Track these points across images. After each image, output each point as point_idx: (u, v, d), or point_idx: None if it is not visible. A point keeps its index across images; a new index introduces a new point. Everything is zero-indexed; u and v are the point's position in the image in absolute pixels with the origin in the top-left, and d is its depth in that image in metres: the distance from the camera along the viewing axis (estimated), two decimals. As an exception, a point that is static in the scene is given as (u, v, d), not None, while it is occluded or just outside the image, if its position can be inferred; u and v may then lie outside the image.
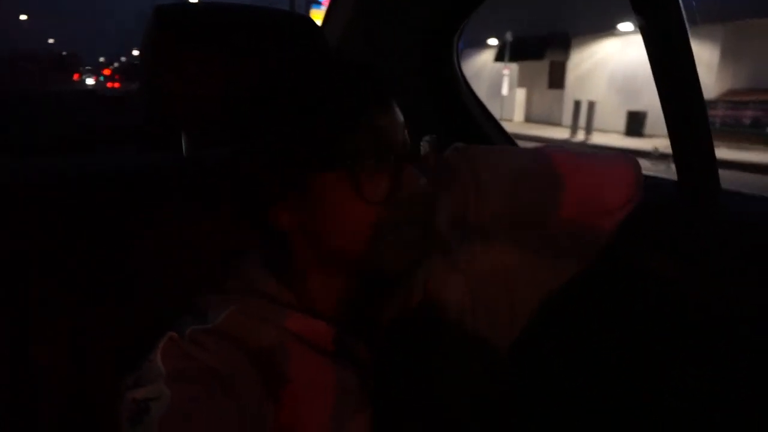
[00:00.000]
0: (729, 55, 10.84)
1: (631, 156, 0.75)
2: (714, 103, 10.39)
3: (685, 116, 0.84)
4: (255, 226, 0.62)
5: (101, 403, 0.62)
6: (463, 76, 1.29)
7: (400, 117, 0.58)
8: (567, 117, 13.41)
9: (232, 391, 0.51)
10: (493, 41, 15.90)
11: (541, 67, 15.58)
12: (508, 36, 14.11)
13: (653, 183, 0.73)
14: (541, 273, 0.70)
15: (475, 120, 1.27)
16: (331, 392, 0.57)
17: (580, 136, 11.93)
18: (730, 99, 10.55)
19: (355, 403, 0.58)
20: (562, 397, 0.91)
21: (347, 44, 1.21)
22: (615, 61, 13.21)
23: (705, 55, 10.67)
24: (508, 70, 14.88)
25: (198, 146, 0.83)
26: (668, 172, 0.93)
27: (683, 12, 0.81)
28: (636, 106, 12.16)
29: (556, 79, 15.31)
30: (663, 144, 10.04)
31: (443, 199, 0.66)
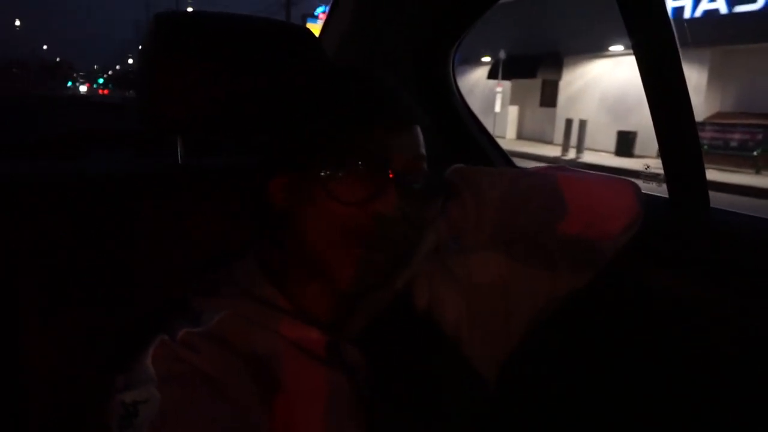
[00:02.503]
0: (716, 78, 11.06)
1: (632, 182, 0.75)
2: (702, 125, 10.55)
3: (677, 137, 0.86)
4: (255, 204, 0.63)
5: (91, 404, 0.61)
6: (459, 91, 1.30)
7: (406, 140, 0.59)
8: (558, 135, 13.55)
9: (224, 396, 0.51)
10: (486, 59, 16.09)
11: (534, 85, 15.77)
12: (502, 54, 14.29)
13: (646, 200, 0.74)
14: (537, 285, 0.71)
15: (470, 134, 1.28)
16: (323, 399, 0.57)
17: (571, 154, 12.06)
18: (718, 121, 10.73)
19: (348, 410, 0.57)
20: (555, 408, 0.91)
21: (343, 57, 1.22)
22: (606, 82, 13.41)
23: (693, 78, 10.87)
24: (501, 88, 15.04)
25: (193, 154, 0.83)
26: (659, 190, 0.94)
27: (675, 34, 0.83)
28: (626, 126, 12.32)
29: (548, 97, 15.49)
30: (652, 164, 10.15)
31: (436, 221, 0.66)
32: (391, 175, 0.55)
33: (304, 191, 0.57)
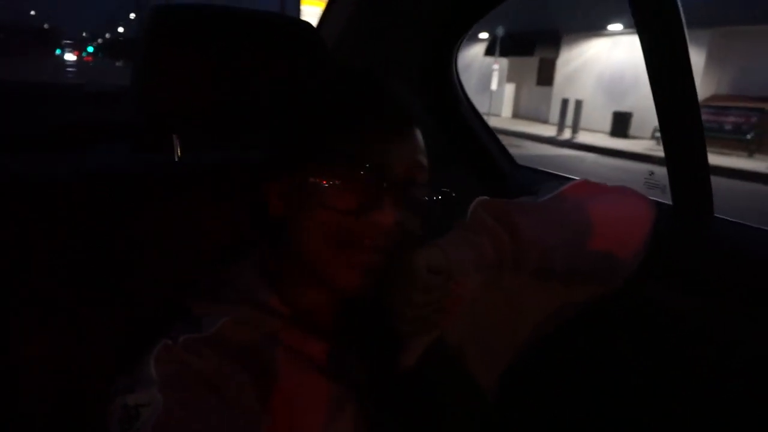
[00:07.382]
0: (714, 60, 11.00)
1: (648, 201, 0.76)
2: (698, 107, 10.53)
3: (683, 146, 0.85)
4: (252, 207, 0.62)
5: (90, 404, 0.61)
6: (462, 86, 1.28)
7: (404, 147, 0.57)
8: (554, 114, 13.50)
9: (225, 401, 0.51)
10: (483, 35, 15.89)
11: (531, 63, 15.64)
12: (499, 31, 14.11)
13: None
14: (546, 301, 0.71)
15: (472, 131, 1.26)
16: (324, 407, 0.57)
17: (567, 134, 12.03)
18: (713, 104, 10.72)
19: (348, 419, 0.57)
20: (552, 420, 0.92)
21: (342, 51, 1.18)
22: (603, 61, 13.32)
23: (691, 60, 10.78)
24: (498, 65, 14.89)
25: (190, 149, 0.81)
26: (662, 197, 0.93)
27: (685, 30, 0.81)
28: (622, 107, 12.29)
29: (545, 76, 15.38)
30: (646, 146, 10.21)
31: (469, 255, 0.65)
32: (386, 185, 0.54)
33: (299, 197, 0.56)
